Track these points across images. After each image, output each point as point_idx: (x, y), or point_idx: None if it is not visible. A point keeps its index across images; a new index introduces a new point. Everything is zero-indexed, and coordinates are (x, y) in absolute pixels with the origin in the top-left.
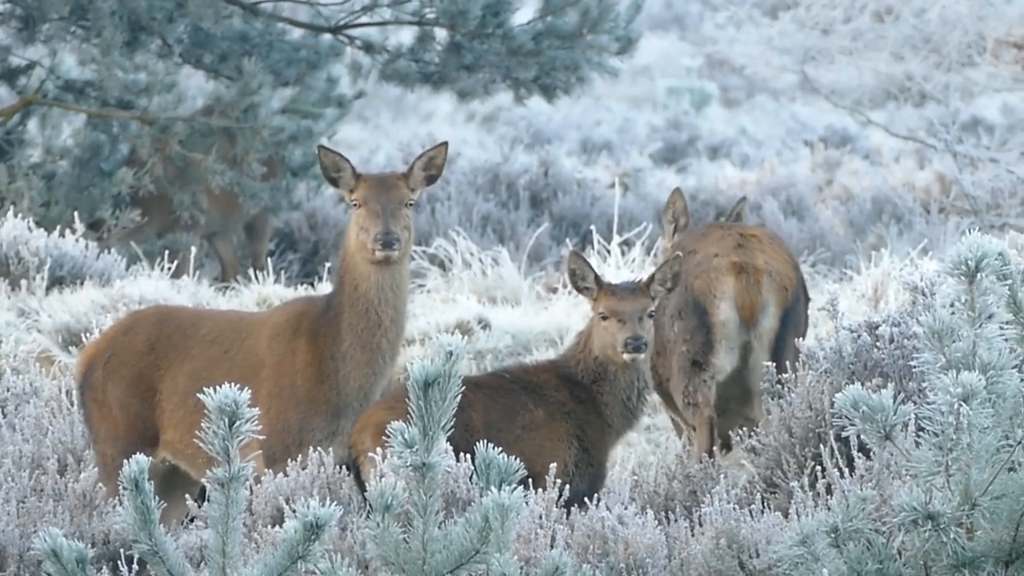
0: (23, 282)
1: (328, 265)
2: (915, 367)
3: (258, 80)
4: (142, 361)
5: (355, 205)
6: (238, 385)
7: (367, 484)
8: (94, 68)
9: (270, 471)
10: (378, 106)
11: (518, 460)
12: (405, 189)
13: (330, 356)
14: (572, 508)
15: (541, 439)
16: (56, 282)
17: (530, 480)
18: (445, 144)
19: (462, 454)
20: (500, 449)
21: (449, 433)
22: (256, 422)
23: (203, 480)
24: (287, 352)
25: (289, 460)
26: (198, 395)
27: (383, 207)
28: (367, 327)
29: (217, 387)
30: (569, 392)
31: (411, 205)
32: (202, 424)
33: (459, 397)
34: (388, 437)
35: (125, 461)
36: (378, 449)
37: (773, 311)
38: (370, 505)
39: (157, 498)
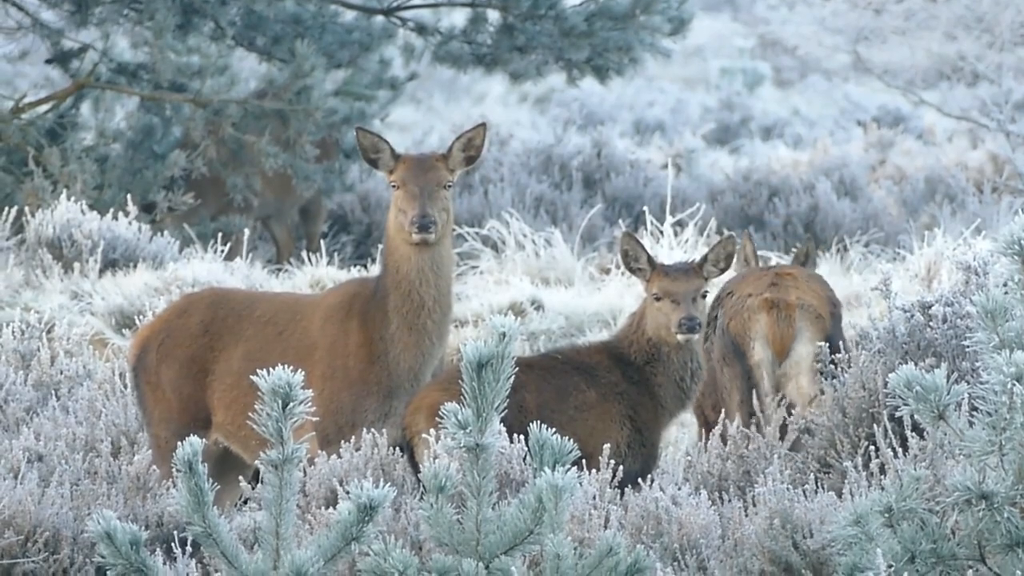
0: (76, 265)
1: (380, 247)
2: (968, 347)
3: (311, 62)
4: (196, 343)
5: (394, 186)
6: (291, 367)
7: (421, 465)
8: (147, 51)
9: (324, 452)
10: (431, 88)
11: (571, 441)
12: (444, 171)
13: (379, 337)
14: (625, 489)
15: (594, 420)
16: (109, 265)
17: (583, 461)
18: (484, 125)
19: (516, 435)
20: (553, 430)
21: (503, 414)
22: (310, 404)
23: (256, 463)
24: (340, 334)
25: (342, 441)
26: (251, 377)
27: (421, 189)
28: (411, 309)
29: (270, 369)
30: (622, 373)
31: (449, 187)
32: (255, 406)
33: (512, 378)
34: (442, 418)
35: (178, 443)
36: (431, 430)
37: (808, 335)
38: (424, 486)
39: (211, 480)
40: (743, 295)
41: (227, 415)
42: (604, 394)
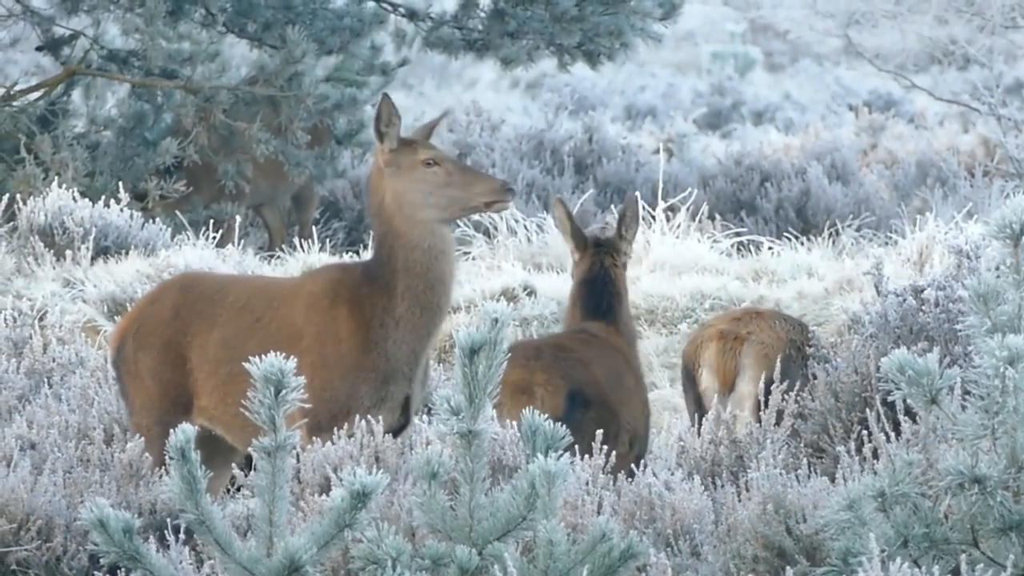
0: (68, 252)
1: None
2: (960, 331)
3: (302, 48)
4: (169, 328)
5: (428, 164)
6: (276, 354)
7: None
8: (138, 38)
9: (317, 440)
10: (422, 74)
11: (627, 420)
12: None
13: (379, 324)
14: (619, 474)
15: (636, 401)
16: (101, 252)
17: (629, 440)
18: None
19: (591, 408)
20: (616, 408)
21: (580, 387)
22: (301, 392)
23: (247, 448)
24: (327, 322)
25: (335, 428)
26: (232, 364)
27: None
28: (426, 287)
29: (252, 356)
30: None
31: None
32: (238, 392)
33: (579, 352)
34: (525, 395)
35: (162, 429)
36: (509, 411)
37: (751, 373)
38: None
39: (203, 467)
40: (705, 324)
41: (209, 400)
42: (638, 378)
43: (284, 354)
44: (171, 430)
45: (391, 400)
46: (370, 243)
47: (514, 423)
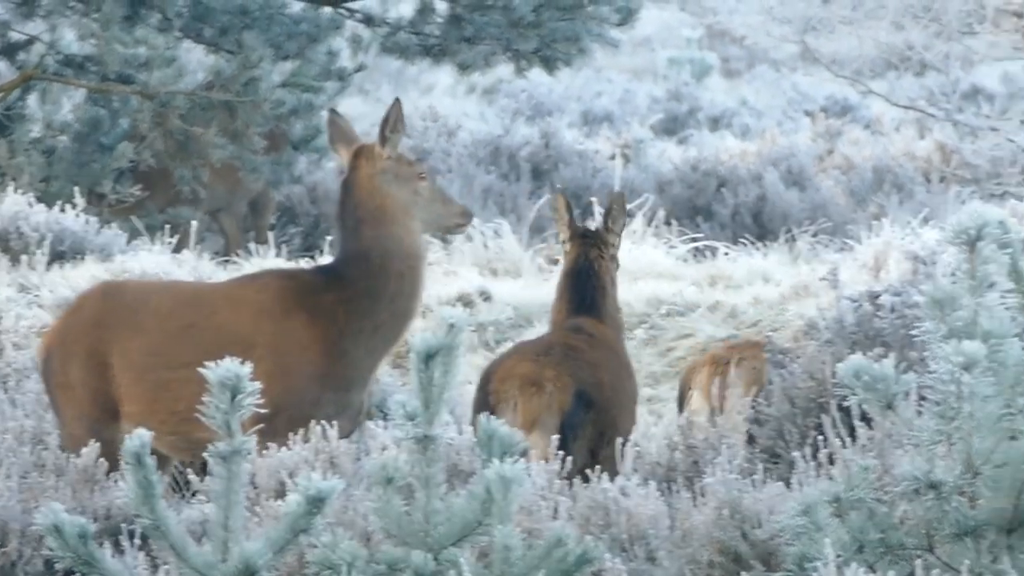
0: (24, 257)
1: (330, 239)
2: (916, 336)
3: (258, 54)
4: (90, 336)
5: (422, 177)
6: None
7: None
8: (94, 43)
9: (272, 445)
10: (379, 79)
11: (622, 425)
12: None
13: (354, 331)
14: (574, 480)
15: (631, 405)
16: (57, 257)
17: (621, 442)
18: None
19: (594, 412)
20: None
21: (587, 389)
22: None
23: (178, 455)
24: (282, 331)
25: (291, 434)
26: (161, 371)
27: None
28: (408, 293)
29: (188, 363)
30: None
31: None
32: (168, 398)
33: (587, 354)
34: (535, 388)
35: (95, 439)
36: (521, 400)
37: (740, 393)
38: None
39: (159, 473)
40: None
41: (136, 407)
42: (629, 371)
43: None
44: (103, 439)
45: (351, 407)
46: (342, 247)
47: (521, 415)
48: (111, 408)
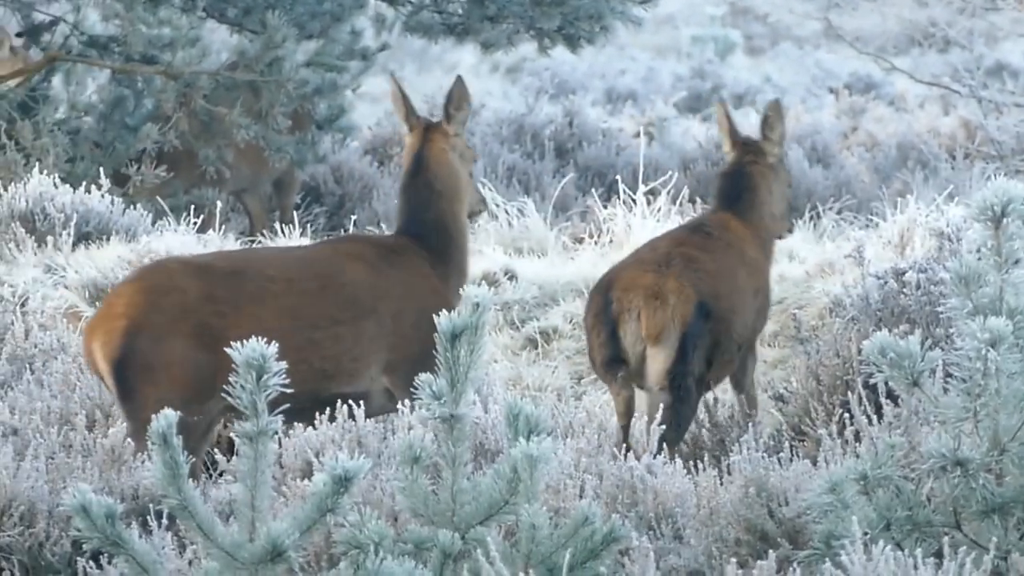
0: (49, 239)
1: (355, 218)
2: (942, 313)
3: (282, 33)
4: (201, 312)
5: (476, 159)
6: (340, 320)
7: (622, 342)
8: (118, 24)
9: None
10: (402, 58)
11: (737, 332)
12: None
13: (449, 284)
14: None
15: (749, 306)
16: (82, 238)
17: (736, 347)
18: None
19: (713, 319)
20: (732, 320)
21: (707, 300)
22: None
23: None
24: (411, 281)
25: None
26: (310, 330)
27: None
28: (465, 268)
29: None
30: None
31: None
32: (314, 356)
33: (705, 264)
34: (659, 300)
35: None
36: (642, 314)
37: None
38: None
39: (186, 453)
40: None
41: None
42: (753, 271)
43: (356, 319)
44: (185, 422)
45: None
46: (413, 215)
47: (645, 327)
48: (209, 385)
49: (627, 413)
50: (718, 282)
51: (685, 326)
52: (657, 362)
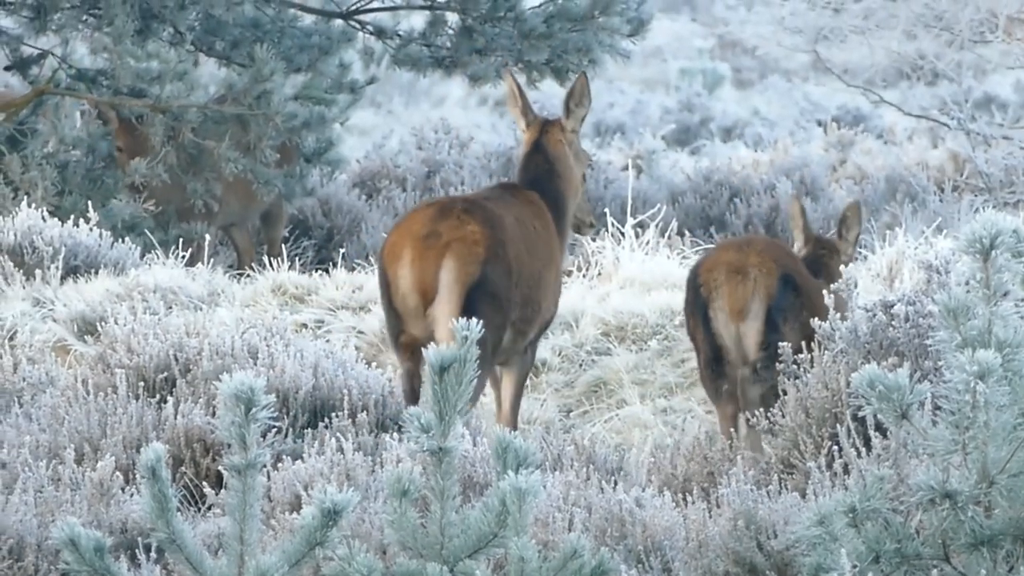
0: (38, 272)
1: (343, 251)
2: (931, 346)
3: (270, 67)
4: (509, 246)
5: (591, 166)
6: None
7: (712, 324)
8: (106, 57)
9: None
10: (390, 91)
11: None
12: None
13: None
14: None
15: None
16: (71, 271)
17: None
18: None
19: (802, 293)
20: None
21: (792, 274)
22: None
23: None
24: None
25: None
26: (539, 269)
27: None
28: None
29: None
30: None
31: None
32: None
33: (786, 248)
34: (740, 275)
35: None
36: (725, 290)
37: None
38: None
39: (174, 486)
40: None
41: (516, 311)
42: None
43: (550, 259)
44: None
45: None
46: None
47: (729, 303)
48: (508, 314)
49: (732, 430)
50: (799, 264)
51: (770, 300)
52: (748, 342)
